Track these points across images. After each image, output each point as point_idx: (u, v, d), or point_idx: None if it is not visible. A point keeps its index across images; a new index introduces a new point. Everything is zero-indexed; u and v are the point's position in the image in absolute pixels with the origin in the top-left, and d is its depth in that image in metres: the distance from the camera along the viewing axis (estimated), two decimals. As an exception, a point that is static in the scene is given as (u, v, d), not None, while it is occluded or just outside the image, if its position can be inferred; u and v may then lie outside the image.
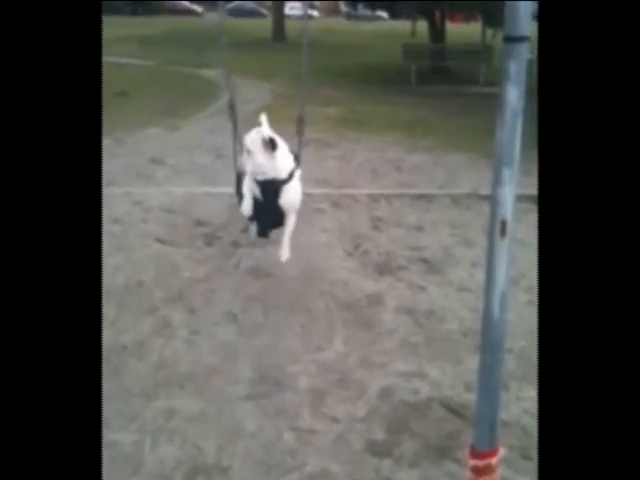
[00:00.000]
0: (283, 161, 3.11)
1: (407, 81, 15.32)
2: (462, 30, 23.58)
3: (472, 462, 1.80)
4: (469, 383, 3.07)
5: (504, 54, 1.51)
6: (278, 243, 3.76)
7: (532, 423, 2.82)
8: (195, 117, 10.51)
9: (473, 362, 2.58)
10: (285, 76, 14.05)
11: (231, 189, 4.44)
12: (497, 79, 1.56)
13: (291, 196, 3.17)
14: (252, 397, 3.06)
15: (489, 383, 1.74)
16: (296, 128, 3.44)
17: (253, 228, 3.31)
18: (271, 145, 2.91)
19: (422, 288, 4.31)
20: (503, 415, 2.31)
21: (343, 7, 46.32)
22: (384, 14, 39.46)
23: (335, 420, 2.91)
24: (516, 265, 1.65)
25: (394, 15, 31.46)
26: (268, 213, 3.15)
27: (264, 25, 31.24)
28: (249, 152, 2.97)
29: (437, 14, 18.18)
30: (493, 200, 1.60)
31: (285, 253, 3.36)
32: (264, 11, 46.29)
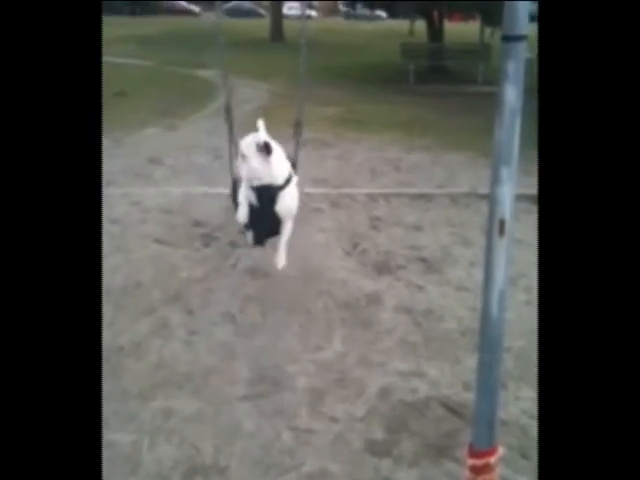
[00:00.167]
0: (279, 166, 3.03)
1: (405, 80, 15.31)
2: (460, 29, 23.59)
3: (471, 461, 1.79)
4: (468, 382, 3.07)
5: (502, 53, 1.51)
6: (275, 247, 3.75)
7: (531, 422, 2.82)
8: (193, 117, 10.50)
9: (472, 361, 2.58)
10: (283, 76, 14.05)
11: (229, 190, 4.44)
12: (495, 78, 1.56)
13: (287, 202, 3.08)
14: (250, 397, 3.06)
15: (488, 382, 1.74)
16: (293, 132, 3.35)
17: (249, 236, 3.21)
18: (266, 150, 2.83)
19: (421, 287, 4.31)
20: (502, 414, 2.31)
21: (342, 7, 46.40)
22: (383, 14, 39.50)
23: (334, 420, 2.91)
24: (515, 265, 1.65)
25: (392, 15, 31.49)
26: (264, 220, 3.07)
27: (262, 25, 31.23)
28: (244, 156, 2.88)
29: (435, 13, 18.18)
30: (491, 199, 1.60)
31: (281, 260, 3.27)
32: (262, 11, 46.30)
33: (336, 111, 11.20)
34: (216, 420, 2.90)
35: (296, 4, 37.42)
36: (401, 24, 31.57)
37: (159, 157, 7.74)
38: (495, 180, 1.58)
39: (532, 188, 2.28)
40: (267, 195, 2.99)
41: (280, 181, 2.99)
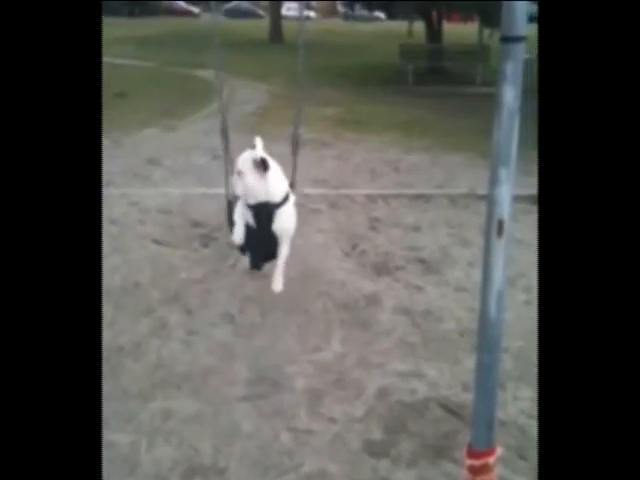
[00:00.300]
0: (276, 183, 2.89)
1: (404, 81, 15.33)
2: (459, 30, 23.60)
3: (469, 462, 1.79)
4: (466, 383, 3.07)
5: (501, 54, 1.51)
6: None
7: (529, 423, 2.82)
8: (192, 118, 10.50)
9: (470, 362, 2.58)
10: (282, 77, 14.06)
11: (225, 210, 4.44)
12: (494, 79, 1.56)
13: (285, 221, 2.96)
14: (249, 398, 3.06)
15: (486, 383, 1.74)
16: (291, 149, 3.18)
17: (246, 261, 3.09)
18: (263, 166, 2.70)
19: (419, 288, 4.31)
20: (500, 415, 2.31)
21: (340, 8, 46.42)
22: (381, 14, 39.54)
23: (332, 420, 2.91)
24: (514, 265, 1.65)
25: (391, 15, 31.51)
26: (261, 240, 2.94)
27: (261, 26, 31.25)
28: (240, 173, 2.76)
29: (434, 14, 18.19)
30: (490, 200, 1.60)
31: (278, 284, 3.09)
32: (261, 12, 46.32)
33: (335, 112, 11.21)
34: (215, 421, 2.90)
35: (294, 5, 37.45)
36: (400, 25, 31.59)
37: (158, 158, 7.74)
38: (494, 181, 1.58)
39: (531, 188, 2.28)
40: (264, 213, 2.86)
41: (277, 199, 2.87)
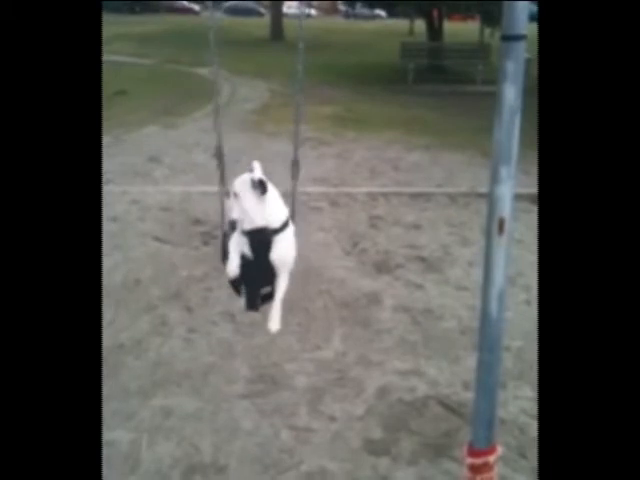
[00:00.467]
0: (275, 207, 2.63)
1: (405, 80, 15.30)
2: (460, 29, 23.58)
3: (469, 460, 1.80)
4: (466, 381, 3.07)
5: (502, 53, 1.51)
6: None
7: (529, 422, 2.83)
8: (193, 116, 10.49)
9: (471, 360, 2.59)
10: (283, 75, 14.05)
11: (229, 187, 4.43)
12: (495, 78, 1.56)
13: (284, 250, 2.66)
14: (249, 396, 3.06)
15: (487, 381, 1.74)
16: (291, 172, 2.85)
17: (242, 300, 2.74)
18: (261, 187, 2.48)
19: (420, 287, 4.31)
20: (500, 413, 2.31)
21: (341, 6, 46.37)
22: (382, 13, 39.51)
23: (332, 419, 2.91)
24: (514, 264, 1.65)
25: (392, 14, 31.48)
26: (258, 272, 2.64)
27: (262, 24, 31.22)
28: (236, 195, 2.54)
29: (435, 13, 18.17)
30: (491, 198, 1.60)
31: (275, 323, 2.65)
32: (262, 10, 46.27)
33: (335, 110, 11.20)
34: (215, 418, 2.90)
35: (295, 3, 37.41)
36: (401, 23, 31.56)
37: (158, 155, 7.74)
38: (494, 179, 1.58)
39: (531, 187, 2.28)
40: (261, 240, 2.60)
41: (276, 224, 2.60)
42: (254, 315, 3.82)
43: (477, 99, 11.34)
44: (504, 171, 1.56)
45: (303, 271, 4.34)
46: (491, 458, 1.79)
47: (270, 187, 2.57)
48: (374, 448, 2.73)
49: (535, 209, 3.31)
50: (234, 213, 2.56)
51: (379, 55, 20.14)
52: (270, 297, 2.73)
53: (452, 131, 9.43)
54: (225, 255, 2.70)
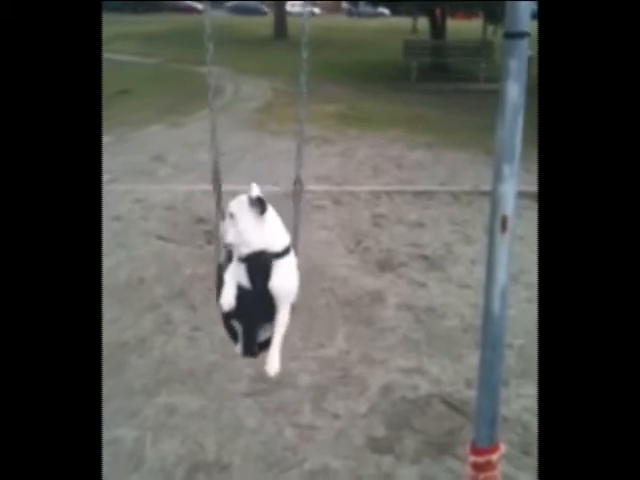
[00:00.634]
0: (275, 230, 2.30)
1: (408, 78, 15.29)
2: (463, 26, 23.55)
3: (472, 458, 1.80)
4: (469, 379, 3.08)
5: (504, 50, 1.51)
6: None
7: (532, 419, 2.83)
8: (197, 115, 10.50)
9: (473, 358, 2.58)
10: (286, 74, 14.04)
11: (232, 186, 4.44)
12: (498, 76, 1.56)
13: (285, 277, 2.31)
14: (253, 394, 3.07)
15: (489, 379, 1.74)
16: (292, 193, 2.46)
17: (239, 346, 2.37)
18: (260, 205, 2.18)
19: (423, 285, 4.31)
20: (503, 411, 2.31)
21: (344, 4, 46.35)
22: (385, 11, 39.49)
23: (336, 416, 2.92)
24: (516, 262, 1.65)
25: (395, 12, 31.45)
26: (256, 304, 2.29)
27: (266, 23, 31.22)
28: (232, 216, 2.23)
29: (438, 11, 18.15)
30: (494, 196, 1.60)
31: (274, 365, 2.27)
32: (265, 9, 46.25)
33: (338, 108, 11.20)
34: (219, 416, 2.91)
35: (299, 2, 37.39)
36: (404, 21, 31.54)
37: (163, 154, 7.75)
38: (497, 177, 1.58)
39: (533, 185, 2.27)
40: (259, 265, 2.26)
41: (276, 247, 2.27)
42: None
43: (480, 97, 11.32)
44: (507, 169, 1.56)
45: (306, 269, 4.35)
46: (494, 456, 1.79)
47: (270, 209, 2.26)
48: (377, 446, 2.73)
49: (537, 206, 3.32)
50: (229, 236, 2.23)
51: (382, 53, 20.13)
52: (265, 346, 2.35)
53: (455, 129, 9.42)
54: (220, 289, 2.31)
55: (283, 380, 3.17)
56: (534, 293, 3.91)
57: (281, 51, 19.29)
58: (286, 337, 3.44)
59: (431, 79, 15.24)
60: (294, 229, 2.41)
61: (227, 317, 2.35)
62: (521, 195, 1.65)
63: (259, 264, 2.24)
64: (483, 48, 16.23)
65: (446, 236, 5.23)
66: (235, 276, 2.27)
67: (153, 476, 2.55)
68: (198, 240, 5.01)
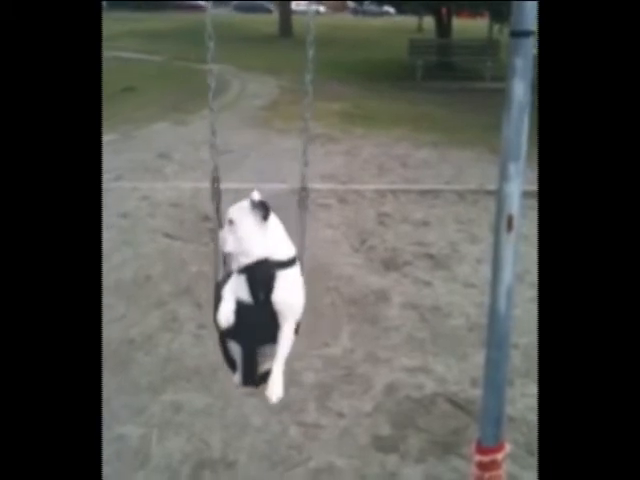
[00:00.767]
0: (279, 238, 2.06)
1: (413, 77, 15.28)
2: (469, 25, 23.49)
3: (478, 458, 1.80)
4: (474, 378, 3.07)
5: (510, 49, 1.51)
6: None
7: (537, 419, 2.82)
8: (202, 112, 10.51)
9: (479, 358, 2.59)
10: (292, 71, 14.05)
11: (238, 184, 4.46)
12: (504, 75, 1.56)
13: (290, 290, 2.07)
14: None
15: (495, 379, 1.74)
16: (298, 202, 2.19)
17: (237, 375, 2.10)
18: (262, 209, 1.97)
19: (428, 284, 4.31)
20: (509, 411, 2.31)
21: (350, 3, 46.29)
22: (391, 9, 39.42)
23: (341, 415, 2.92)
24: (521, 261, 1.65)
25: (401, 11, 31.39)
26: (257, 321, 2.03)
27: (271, 21, 31.22)
28: (231, 222, 2.02)
29: (444, 10, 18.12)
30: (499, 195, 1.60)
31: (277, 389, 2.01)
32: (270, 7, 46.23)
33: (343, 107, 11.19)
34: (224, 414, 2.92)
35: (304, 1, 37.35)
36: (409, 20, 31.48)
37: (168, 152, 7.77)
38: (503, 176, 1.58)
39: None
40: (261, 276, 2.01)
41: (280, 256, 2.03)
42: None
43: (486, 96, 11.30)
44: (513, 168, 1.56)
45: (311, 268, 4.36)
46: (499, 456, 1.79)
47: (274, 217, 2.04)
48: (382, 445, 2.74)
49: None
50: (228, 245, 2.02)
51: (387, 52, 20.10)
52: (265, 378, 2.07)
53: (461, 128, 9.41)
54: (217, 307, 2.04)
55: (288, 378, 3.17)
56: (539, 292, 3.90)
57: (286, 49, 19.29)
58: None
59: (437, 78, 15.22)
60: (300, 243, 2.18)
61: (224, 338, 2.09)
62: (527, 194, 1.64)
63: (261, 274, 2.00)
64: (489, 47, 16.19)
65: (451, 235, 5.23)
66: (234, 290, 2.02)
67: (159, 473, 2.56)
68: (204, 238, 5.02)
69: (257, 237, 1.99)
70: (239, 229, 2.00)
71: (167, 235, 5.09)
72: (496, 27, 18.25)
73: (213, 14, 2.09)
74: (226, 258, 2.14)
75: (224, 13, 39.27)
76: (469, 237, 5.16)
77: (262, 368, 2.06)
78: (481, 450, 1.79)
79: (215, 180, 2.23)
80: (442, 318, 3.84)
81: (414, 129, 9.41)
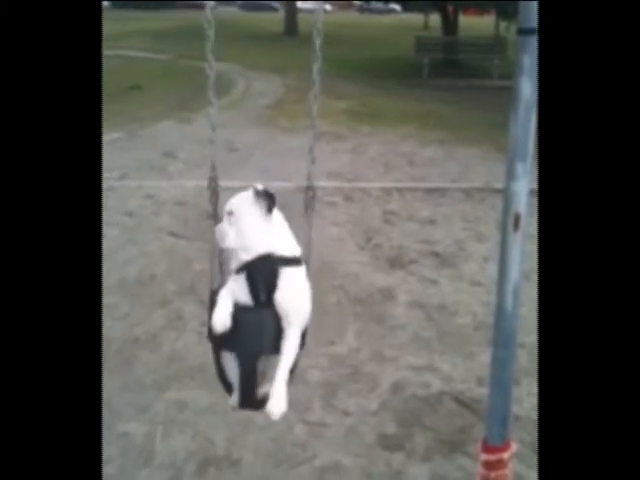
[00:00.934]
0: (284, 234, 1.84)
1: (419, 74, 15.25)
2: (476, 23, 23.43)
3: (484, 457, 1.79)
4: (481, 377, 3.06)
5: (518, 46, 1.50)
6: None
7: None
8: (207, 111, 10.53)
9: (485, 356, 2.58)
10: (298, 70, 14.04)
11: (242, 182, 4.45)
12: (511, 72, 1.54)
13: (294, 290, 1.84)
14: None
15: (501, 378, 1.74)
16: (304, 204, 1.94)
17: (234, 397, 1.84)
18: (267, 200, 1.76)
19: (434, 282, 4.30)
20: (515, 410, 2.30)
21: (356, 0, 46.23)
22: (397, 7, 39.34)
23: (346, 413, 2.92)
24: (528, 260, 1.64)
25: (407, 8, 31.34)
26: (257, 326, 1.77)
27: (277, 19, 31.22)
28: (232, 214, 1.83)
29: (450, 7, 18.08)
30: (506, 194, 1.59)
31: (279, 404, 1.75)
32: (276, 5, 46.24)
33: (350, 104, 11.18)
34: (229, 412, 2.91)
35: (310, -2, 37.35)
36: (416, 18, 31.43)
37: (173, 150, 7.77)
38: (510, 175, 1.57)
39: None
40: (263, 272, 1.76)
41: (285, 251, 1.80)
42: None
43: (493, 94, 11.27)
44: (520, 167, 1.55)
45: (317, 266, 4.35)
46: (505, 455, 1.78)
47: (278, 212, 1.84)
48: (388, 443, 2.73)
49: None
50: (228, 240, 1.83)
51: (394, 49, 20.07)
52: (263, 398, 1.81)
53: (467, 126, 9.38)
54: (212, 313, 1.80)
55: (293, 376, 3.17)
56: (546, 291, 3.88)
57: (292, 48, 19.27)
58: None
59: (443, 75, 15.18)
60: (306, 244, 1.97)
61: (219, 349, 1.87)
62: (534, 193, 1.63)
63: (262, 271, 1.76)
64: (496, 44, 16.13)
65: (458, 233, 5.21)
66: (232, 292, 1.78)
67: (163, 471, 2.56)
68: (209, 236, 5.02)
69: (260, 231, 1.78)
70: (240, 221, 1.82)
71: (172, 234, 5.09)
72: (503, 25, 18.20)
73: (217, 13, 2.04)
74: (222, 261, 1.95)
75: (230, 11, 39.28)
76: (475, 235, 5.14)
77: (262, 390, 1.79)
78: (487, 449, 1.78)
79: (212, 179, 2.08)
80: (448, 317, 3.83)
81: (420, 127, 9.39)
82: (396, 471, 2.58)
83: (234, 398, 1.82)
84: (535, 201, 1.41)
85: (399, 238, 5.08)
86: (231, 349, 1.81)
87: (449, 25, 18.08)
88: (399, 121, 9.75)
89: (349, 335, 3.59)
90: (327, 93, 8.11)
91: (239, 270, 1.79)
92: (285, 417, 2.90)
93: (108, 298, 3.69)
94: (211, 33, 1.86)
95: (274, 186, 1.98)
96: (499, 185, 1.96)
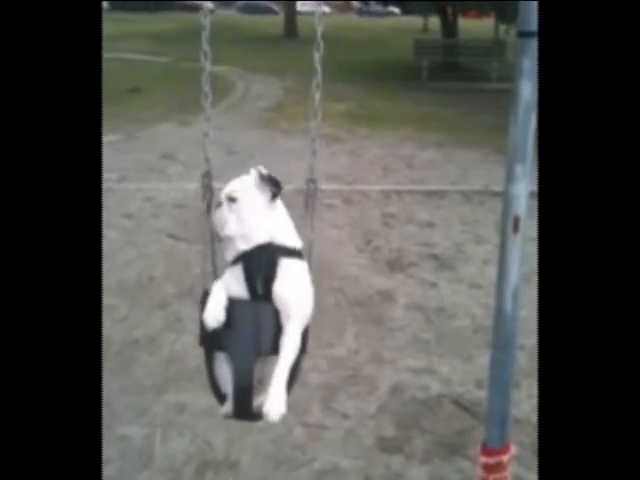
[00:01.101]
0: (286, 225, 1.70)
1: (418, 77, 15.26)
2: (475, 25, 23.46)
3: (483, 459, 1.79)
4: (480, 380, 3.06)
5: (518, 49, 1.50)
6: None
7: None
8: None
9: (484, 359, 2.57)
10: (297, 72, 14.05)
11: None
12: (510, 75, 1.54)
13: (295, 282, 1.71)
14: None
15: (500, 380, 1.74)
16: (305, 203, 1.77)
17: (227, 405, 1.72)
18: (272, 185, 1.62)
19: (433, 285, 4.30)
20: (514, 412, 2.30)
21: (355, 3, 46.31)
22: (396, 10, 39.42)
23: (345, 416, 2.91)
24: (528, 262, 1.64)
25: (406, 11, 31.38)
26: (254, 322, 1.62)
27: (276, 22, 31.24)
28: (232, 200, 1.68)
29: (449, 10, 18.10)
30: (506, 196, 1.59)
31: (278, 406, 1.62)
32: (276, 8, 46.28)
33: (349, 107, 11.18)
34: (228, 415, 2.91)
35: (309, 2, 37.39)
36: (415, 20, 31.45)
37: (173, 152, 7.77)
38: (509, 177, 1.57)
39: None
40: (262, 261, 1.61)
41: (286, 241, 1.67)
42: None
43: (492, 96, 11.29)
44: (519, 169, 1.55)
45: (315, 268, 4.35)
46: (505, 457, 1.78)
47: (281, 203, 1.71)
48: (387, 446, 2.73)
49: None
50: (228, 227, 1.68)
51: (393, 52, 20.08)
52: (258, 404, 1.66)
53: (466, 128, 9.39)
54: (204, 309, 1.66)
55: (292, 378, 3.17)
56: (545, 293, 3.88)
57: (291, 50, 19.29)
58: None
59: (442, 78, 15.19)
60: (308, 238, 1.82)
61: (211, 349, 1.70)
62: (534, 195, 1.63)
63: (261, 260, 1.61)
64: (495, 47, 16.14)
65: (457, 236, 5.21)
66: (227, 285, 1.64)
67: (162, 474, 2.56)
68: (204, 233, 5.02)
69: (262, 219, 1.64)
70: (243, 208, 1.66)
71: (171, 236, 5.09)
72: (502, 27, 18.22)
73: (215, 16, 2.02)
74: (224, 239, 1.75)
75: (229, 14, 39.30)
76: (474, 238, 5.14)
77: (259, 399, 1.63)
78: (486, 452, 1.78)
79: (206, 176, 1.92)
80: (447, 319, 3.83)
81: (419, 129, 9.40)
82: (395, 474, 2.58)
83: (227, 406, 1.68)
84: (535, 203, 1.41)
85: (398, 241, 5.08)
86: (225, 349, 1.65)
87: (448, 28, 18.09)
88: (398, 124, 9.76)
89: (348, 337, 3.59)
90: (326, 95, 8.09)
91: (235, 260, 1.65)
92: (284, 419, 2.90)
93: (107, 300, 3.69)
94: (206, 22, 1.80)
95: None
96: (498, 188, 1.96)
